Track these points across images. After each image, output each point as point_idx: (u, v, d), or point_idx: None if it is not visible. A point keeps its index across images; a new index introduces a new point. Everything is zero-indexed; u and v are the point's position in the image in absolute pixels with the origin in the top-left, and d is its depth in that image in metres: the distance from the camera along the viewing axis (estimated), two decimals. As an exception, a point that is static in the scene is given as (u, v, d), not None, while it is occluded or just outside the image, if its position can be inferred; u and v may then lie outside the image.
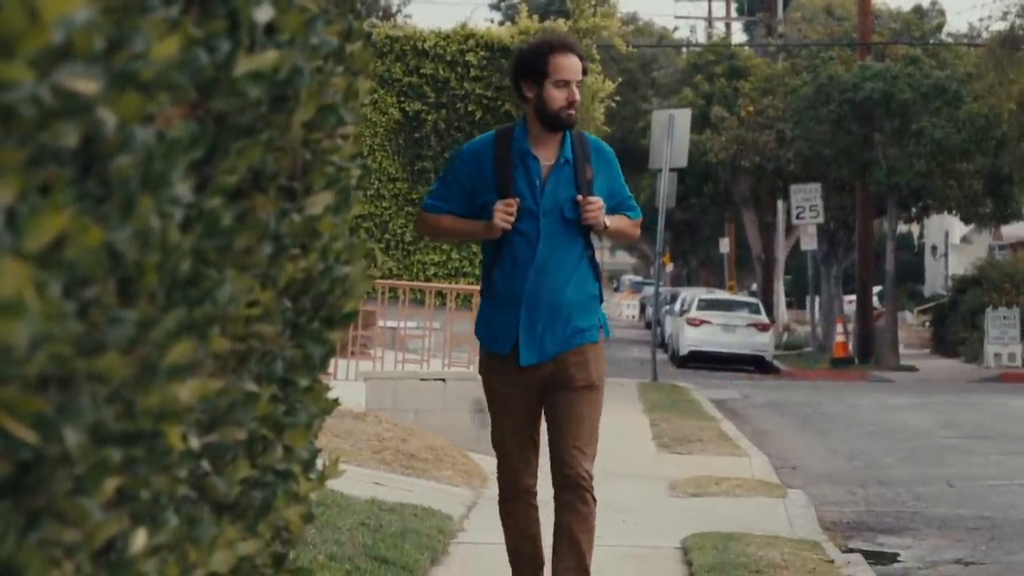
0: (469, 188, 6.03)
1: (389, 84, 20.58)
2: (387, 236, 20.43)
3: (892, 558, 9.54)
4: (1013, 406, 22.47)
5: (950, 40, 40.01)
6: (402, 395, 13.42)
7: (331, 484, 4.07)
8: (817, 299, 41.52)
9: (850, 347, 37.19)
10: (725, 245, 54.36)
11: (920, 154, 35.26)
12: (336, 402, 3.54)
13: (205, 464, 2.58)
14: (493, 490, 6.26)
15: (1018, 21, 32.65)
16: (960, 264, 53.32)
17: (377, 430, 11.63)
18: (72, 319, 1.78)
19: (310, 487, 3.34)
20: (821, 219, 36.73)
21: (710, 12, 64.76)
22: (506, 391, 6.01)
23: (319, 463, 3.46)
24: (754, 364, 35.35)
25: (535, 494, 6.09)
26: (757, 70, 41.16)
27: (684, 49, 51.89)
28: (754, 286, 52.52)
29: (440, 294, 16.29)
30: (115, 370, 1.92)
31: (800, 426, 19.21)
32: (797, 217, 36.91)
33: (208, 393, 2.39)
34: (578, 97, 6.02)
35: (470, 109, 20.44)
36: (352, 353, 14.26)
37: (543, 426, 6.08)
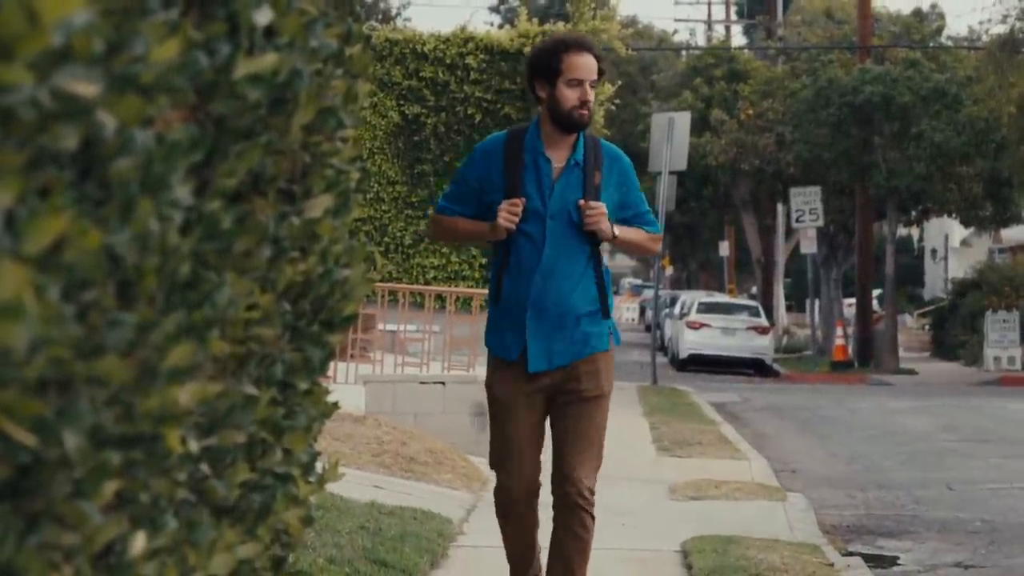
0: (478, 188, 5.90)
1: (389, 87, 20.59)
2: (387, 239, 20.44)
3: (892, 561, 9.54)
4: (1013, 409, 22.46)
5: (950, 43, 39.98)
6: (402, 398, 13.42)
7: (330, 487, 4.07)
8: (817, 302, 41.51)
9: (850, 350, 37.18)
10: (725, 248, 54.37)
11: (920, 157, 35.26)
12: (336, 405, 3.54)
13: (204, 467, 2.58)
14: (492, 495, 6.23)
15: (1018, 24, 32.65)
16: (960, 267, 53.33)
17: (377, 433, 11.63)
18: (71, 322, 1.78)
19: (309, 490, 3.34)
20: (821, 222, 36.73)
21: (710, 15, 64.79)
22: (513, 398, 5.86)
23: (318, 466, 3.45)
24: (754, 367, 35.34)
25: (536, 501, 5.96)
26: (757, 73, 41.18)
27: (684, 52, 51.90)
28: (754, 289, 52.52)
29: (440, 297, 16.29)
30: (114, 373, 1.92)
31: (800, 429, 19.21)
32: (797, 220, 36.91)
33: (207, 396, 2.39)
34: (591, 97, 5.86)
35: (470, 112, 20.45)
36: (352, 356, 14.26)
37: (546, 427, 6.00)
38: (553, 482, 5.88)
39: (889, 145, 35.92)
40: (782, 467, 14.34)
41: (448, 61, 20.51)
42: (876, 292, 41.64)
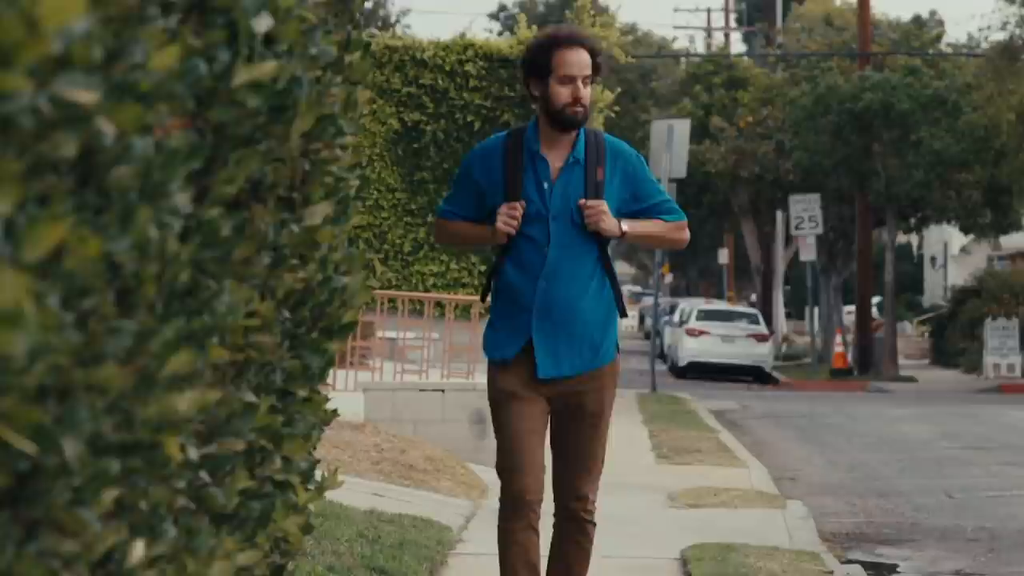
0: (479, 191, 5.72)
1: (388, 94, 20.60)
2: (386, 247, 20.43)
3: (891, 569, 9.53)
4: (1012, 417, 22.46)
5: (949, 50, 40.01)
6: (401, 406, 13.41)
7: (330, 495, 4.06)
8: (816, 310, 41.52)
9: (849, 358, 37.20)
10: (724, 256, 54.39)
11: (919, 164, 35.28)
12: (335, 413, 3.54)
13: (204, 475, 2.57)
14: (492, 501, 6.21)
15: (1017, 31, 32.69)
16: (959, 275, 53.35)
17: (376, 441, 11.62)
18: (71, 330, 1.78)
19: (309, 498, 3.34)
20: (820, 230, 36.74)
21: (709, 22, 64.84)
22: (516, 398, 5.65)
23: (318, 474, 3.45)
24: (753, 375, 35.35)
25: (538, 514, 5.75)
26: (756, 80, 41.23)
27: (683, 59, 51.94)
28: (753, 297, 52.54)
29: (439, 305, 16.29)
30: (114, 381, 1.92)
31: (799, 437, 19.20)
32: (796, 228, 36.92)
33: (207, 404, 2.39)
34: (584, 94, 5.64)
35: (469, 119, 20.45)
36: (351, 364, 14.25)
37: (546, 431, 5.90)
38: (555, 494, 5.79)
39: (888, 152, 35.95)
40: (781, 475, 14.33)
41: (448, 68, 20.51)
42: (875, 299, 41.64)
